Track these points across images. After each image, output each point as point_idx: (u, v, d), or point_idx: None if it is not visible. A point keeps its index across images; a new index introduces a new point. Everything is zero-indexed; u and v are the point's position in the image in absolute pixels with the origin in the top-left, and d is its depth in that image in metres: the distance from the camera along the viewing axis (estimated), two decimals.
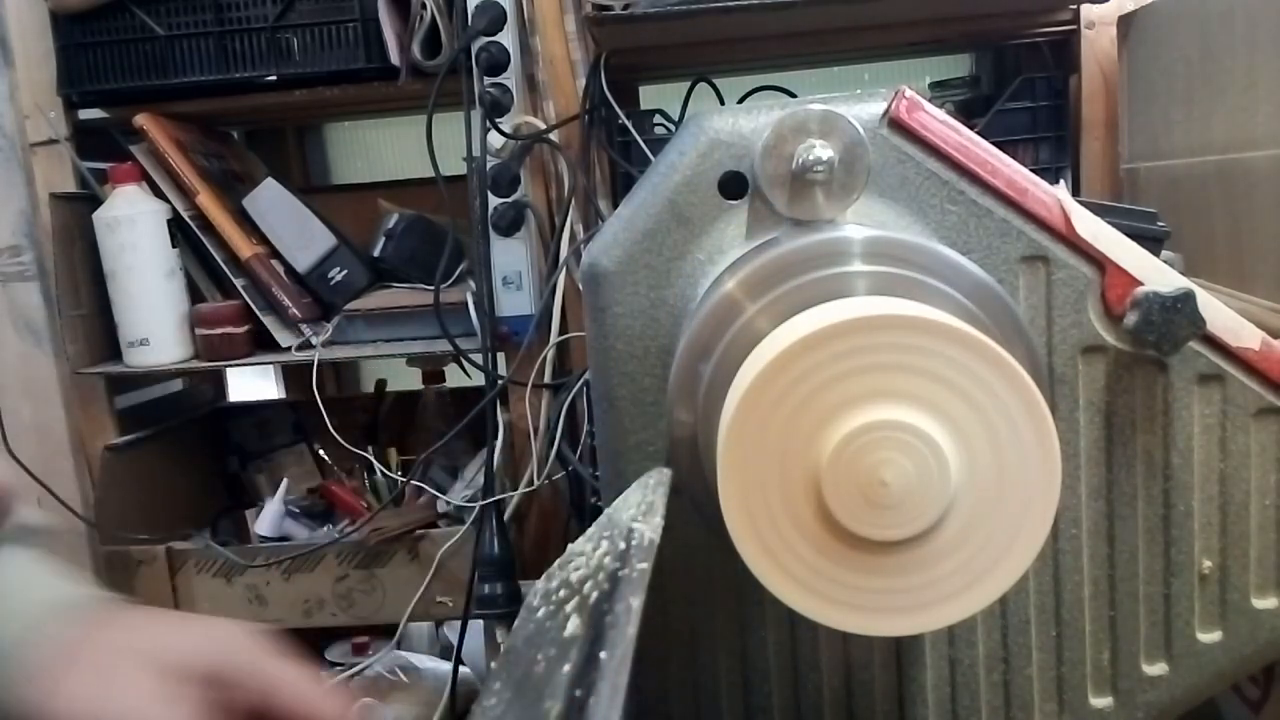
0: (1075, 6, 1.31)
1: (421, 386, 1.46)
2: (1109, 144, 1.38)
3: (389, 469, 1.33)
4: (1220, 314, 0.49)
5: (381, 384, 1.55)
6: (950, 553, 0.35)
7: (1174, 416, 0.51)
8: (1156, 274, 0.50)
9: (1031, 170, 1.67)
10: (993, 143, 1.58)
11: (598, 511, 1.15)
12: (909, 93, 0.52)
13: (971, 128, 1.65)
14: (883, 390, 0.32)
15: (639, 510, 0.36)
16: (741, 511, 0.34)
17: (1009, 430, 0.33)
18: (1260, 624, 0.51)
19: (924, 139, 0.51)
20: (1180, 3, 1.20)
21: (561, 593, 0.34)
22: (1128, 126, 1.36)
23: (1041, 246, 0.51)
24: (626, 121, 1.29)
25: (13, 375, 1.20)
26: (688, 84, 1.40)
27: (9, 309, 1.20)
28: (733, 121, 0.53)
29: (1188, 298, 0.47)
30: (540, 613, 0.34)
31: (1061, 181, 1.34)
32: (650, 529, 0.34)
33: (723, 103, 1.43)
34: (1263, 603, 0.51)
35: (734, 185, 0.52)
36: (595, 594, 0.30)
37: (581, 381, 1.14)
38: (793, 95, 1.41)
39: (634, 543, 0.33)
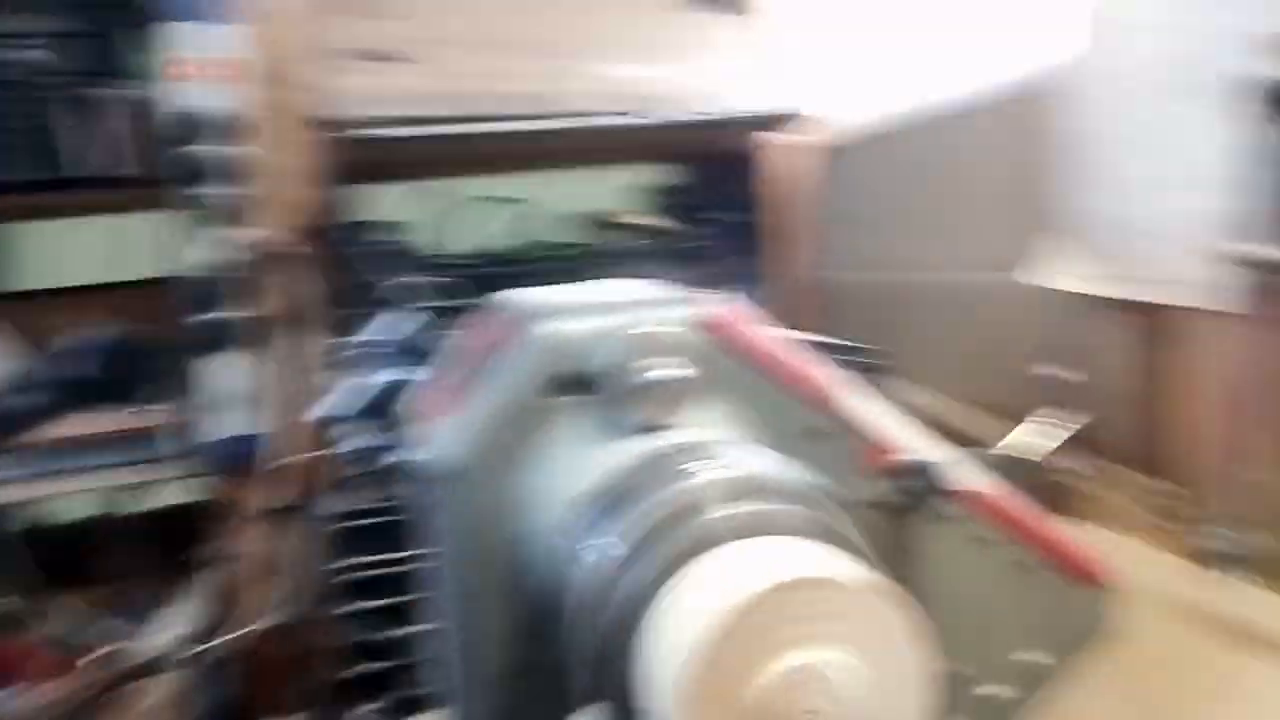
0: (750, 135, 1.51)
1: (116, 514, 1.33)
2: (801, 255, 1.58)
3: (79, 614, 1.20)
4: (949, 464, 0.63)
5: (74, 522, 1.38)
6: None
7: (925, 555, 0.64)
8: (905, 440, 0.63)
9: (730, 279, 1.88)
10: (700, 251, 1.77)
11: (361, 649, 1.12)
12: (713, 302, 0.61)
13: (680, 235, 1.82)
14: (789, 639, 0.39)
15: None
16: None
17: (884, 644, 0.41)
18: (1004, 713, 0.65)
19: (727, 341, 0.60)
20: (873, 142, 1.43)
21: None
22: (820, 242, 1.57)
23: (815, 422, 0.62)
24: (355, 232, 1.29)
25: None
26: (417, 189, 1.44)
27: None
28: (560, 326, 0.59)
29: (929, 466, 0.60)
30: None
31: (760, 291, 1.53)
32: None
33: (451, 209, 1.48)
34: (998, 690, 0.65)
35: (567, 386, 0.58)
36: None
37: (330, 510, 1.12)
38: (518, 200, 1.51)
39: None
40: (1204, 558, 0.79)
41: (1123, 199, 0.92)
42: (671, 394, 0.55)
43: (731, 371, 0.60)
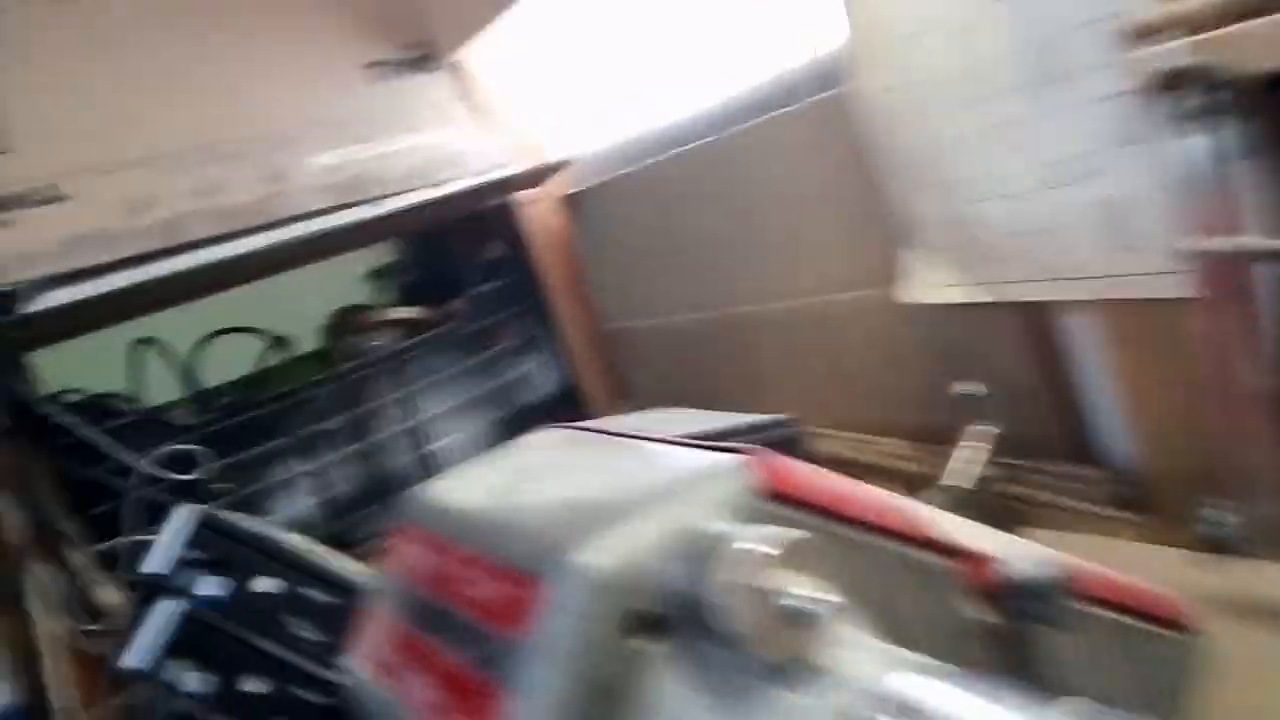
0: (508, 197, 1.34)
1: None
2: (580, 306, 1.42)
3: None
4: (1049, 560, 0.54)
5: None
6: None
7: (1053, 656, 0.55)
8: (1009, 548, 0.53)
9: (519, 343, 1.69)
10: (476, 329, 1.56)
11: None
12: (767, 457, 0.47)
13: (455, 317, 1.59)
14: None
15: None
16: None
17: None
18: None
19: (798, 498, 0.47)
20: (627, 183, 1.29)
21: None
22: (596, 291, 1.41)
23: (912, 557, 0.51)
24: (61, 416, 0.98)
25: None
26: (110, 339, 1.12)
27: None
28: (614, 554, 0.42)
29: (1049, 575, 0.51)
30: None
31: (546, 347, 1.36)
32: None
33: (175, 352, 1.17)
34: None
35: (650, 626, 0.42)
36: None
37: None
38: (252, 330, 1.24)
39: None
40: (1211, 544, 0.77)
41: (996, 202, 0.88)
42: (815, 614, 0.41)
43: (827, 538, 0.47)
